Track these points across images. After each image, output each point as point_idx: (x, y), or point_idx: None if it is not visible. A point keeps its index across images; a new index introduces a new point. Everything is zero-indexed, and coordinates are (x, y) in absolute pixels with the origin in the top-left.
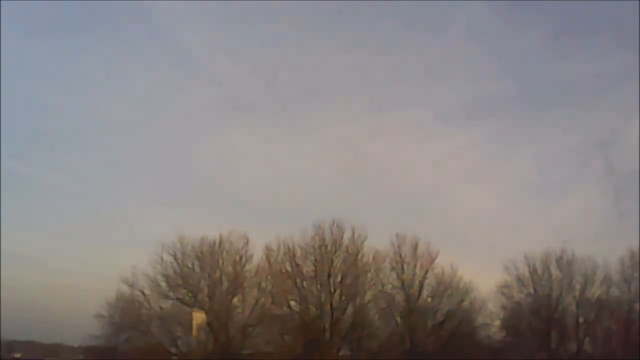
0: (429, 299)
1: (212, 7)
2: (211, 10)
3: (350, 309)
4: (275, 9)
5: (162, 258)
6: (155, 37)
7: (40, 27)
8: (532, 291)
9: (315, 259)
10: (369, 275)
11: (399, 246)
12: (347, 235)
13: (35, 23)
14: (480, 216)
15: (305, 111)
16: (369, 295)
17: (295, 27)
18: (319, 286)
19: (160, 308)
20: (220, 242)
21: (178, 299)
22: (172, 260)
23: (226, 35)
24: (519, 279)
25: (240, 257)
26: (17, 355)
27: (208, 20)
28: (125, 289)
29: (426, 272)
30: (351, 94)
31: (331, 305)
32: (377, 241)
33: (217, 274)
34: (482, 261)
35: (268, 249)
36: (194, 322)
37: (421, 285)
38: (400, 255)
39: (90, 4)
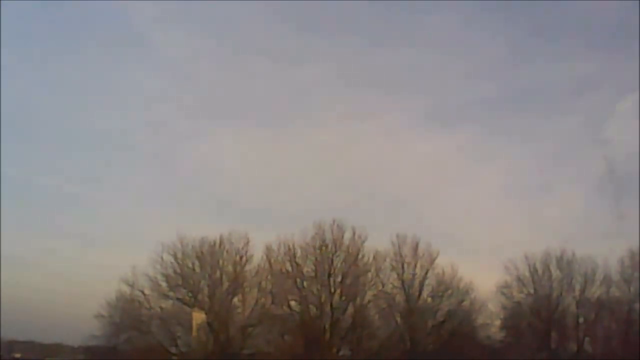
0: (429, 299)
1: (194, 12)
2: (193, 15)
3: (350, 309)
4: (258, 14)
5: (162, 258)
6: (138, 43)
7: (34, 30)
8: (532, 291)
9: (316, 259)
10: (369, 275)
11: (399, 246)
12: (347, 235)
13: (28, 26)
14: (480, 216)
15: (299, 112)
16: (369, 295)
17: (278, 32)
18: (319, 286)
19: (160, 308)
20: (221, 242)
21: (178, 299)
22: (172, 260)
23: (208, 39)
24: (519, 279)
25: (241, 257)
26: (17, 355)
27: (191, 25)
28: (125, 289)
29: (426, 272)
30: (341, 97)
31: (331, 305)
32: (378, 241)
33: (217, 274)
34: (482, 261)
35: (268, 249)
36: (194, 322)
37: (421, 285)
38: (401, 256)
39: (74, 10)
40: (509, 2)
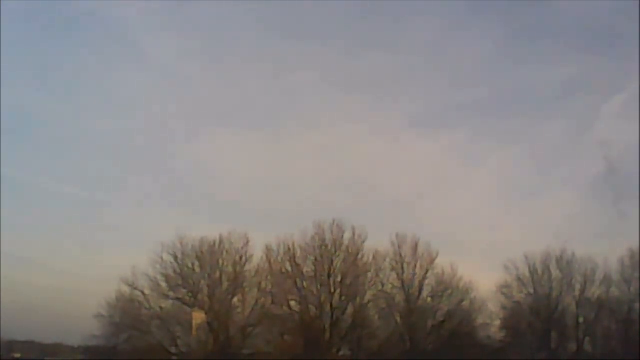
0: (429, 299)
1: (193, 14)
2: (192, 17)
3: (350, 309)
4: (255, 17)
5: (162, 258)
6: (138, 44)
7: (33, 31)
8: (532, 291)
9: (316, 259)
10: (369, 275)
11: (399, 246)
12: (347, 235)
13: (28, 27)
14: (480, 216)
15: (297, 113)
16: (369, 295)
17: (275, 34)
18: (319, 286)
19: (160, 308)
20: (221, 242)
21: (178, 299)
22: (172, 260)
23: (207, 41)
24: (519, 279)
25: (240, 257)
26: (17, 355)
27: (189, 27)
28: (125, 289)
29: (426, 272)
30: (338, 98)
31: (331, 305)
32: (378, 241)
33: (217, 274)
34: (482, 261)
35: (268, 249)
36: (194, 322)
37: (421, 285)
38: (401, 256)
39: (73, 10)
40: (499, 5)
